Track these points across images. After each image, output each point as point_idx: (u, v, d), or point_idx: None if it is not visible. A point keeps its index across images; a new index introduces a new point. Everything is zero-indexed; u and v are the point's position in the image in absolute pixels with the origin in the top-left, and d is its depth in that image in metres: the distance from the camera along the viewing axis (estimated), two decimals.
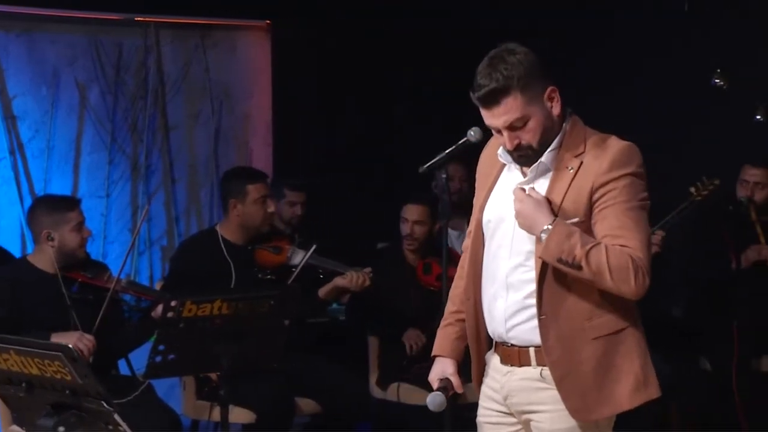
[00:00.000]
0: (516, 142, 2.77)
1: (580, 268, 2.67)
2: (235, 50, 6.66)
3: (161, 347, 3.59)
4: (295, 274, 4.57)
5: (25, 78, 6.10)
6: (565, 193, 2.75)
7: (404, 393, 4.92)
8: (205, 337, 3.63)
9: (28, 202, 5.93)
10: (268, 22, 6.65)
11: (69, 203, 4.42)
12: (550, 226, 2.69)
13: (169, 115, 6.47)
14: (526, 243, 2.79)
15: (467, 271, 2.96)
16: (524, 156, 2.79)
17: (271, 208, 4.74)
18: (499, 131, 2.78)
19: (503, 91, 2.71)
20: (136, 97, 6.38)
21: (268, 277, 4.68)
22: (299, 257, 4.69)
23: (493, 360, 2.94)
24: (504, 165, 2.91)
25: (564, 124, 2.81)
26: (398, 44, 6.57)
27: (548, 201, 2.74)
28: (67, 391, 2.69)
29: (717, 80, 5.53)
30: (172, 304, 3.55)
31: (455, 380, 2.94)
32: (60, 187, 6.06)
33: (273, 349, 3.85)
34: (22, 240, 5.98)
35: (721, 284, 5.17)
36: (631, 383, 2.79)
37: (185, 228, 6.48)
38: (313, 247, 4.67)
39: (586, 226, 2.74)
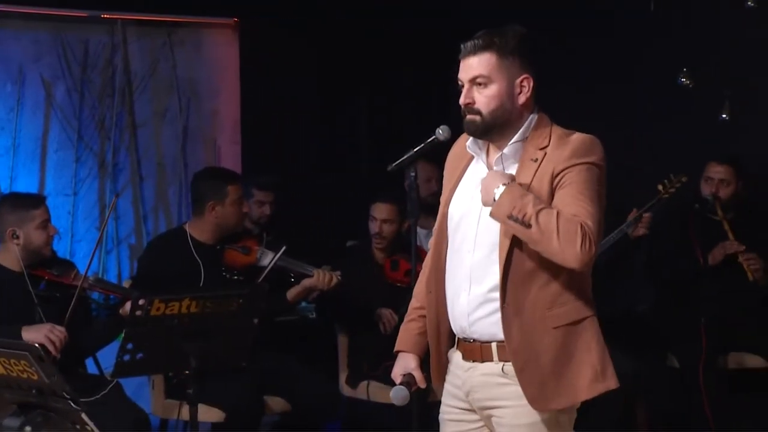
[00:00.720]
0: (469, 100, 2.83)
1: (529, 226, 2.68)
2: (203, 48, 6.64)
3: (129, 346, 3.57)
4: (263, 275, 4.55)
5: None
6: (530, 182, 2.78)
7: (374, 391, 4.92)
8: (173, 336, 3.62)
9: None
10: (235, 19, 6.64)
11: (34, 201, 4.39)
12: (504, 185, 2.72)
13: (136, 113, 6.44)
14: (490, 235, 2.81)
15: (430, 264, 2.98)
16: (472, 123, 2.85)
17: (245, 208, 4.73)
18: (461, 89, 2.85)
19: (483, 48, 2.82)
20: (103, 94, 6.34)
21: (236, 277, 4.66)
22: (268, 258, 4.68)
23: (455, 356, 2.95)
24: (470, 160, 2.94)
25: (530, 117, 2.85)
26: (373, 41, 6.58)
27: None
28: (34, 391, 2.67)
29: (683, 79, 5.58)
30: (140, 302, 3.53)
31: (418, 375, 2.96)
32: (26, 185, 6.01)
33: (242, 348, 3.83)
34: None
35: (688, 281, 5.20)
36: (590, 374, 2.81)
37: (153, 226, 6.46)
38: (283, 248, 4.65)
39: None
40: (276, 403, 4.64)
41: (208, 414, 4.43)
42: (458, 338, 2.93)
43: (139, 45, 6.44)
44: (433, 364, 2.99)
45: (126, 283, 4.72)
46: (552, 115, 2.92)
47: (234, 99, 6.70)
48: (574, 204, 2.73)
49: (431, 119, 3.20)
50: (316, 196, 6.48)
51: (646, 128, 5.85)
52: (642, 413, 5.27)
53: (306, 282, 4.72)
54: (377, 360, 4.91)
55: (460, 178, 2.95)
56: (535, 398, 2.78)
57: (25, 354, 2.62)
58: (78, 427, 2.63)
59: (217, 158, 6.60)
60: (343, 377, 5.12)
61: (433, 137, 3.01)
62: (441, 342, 2.97)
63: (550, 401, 2.79)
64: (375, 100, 6.92)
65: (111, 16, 6.32)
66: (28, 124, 6.16)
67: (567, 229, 2.68)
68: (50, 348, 4.02)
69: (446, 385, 2.98)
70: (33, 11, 6.14)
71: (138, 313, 3.55)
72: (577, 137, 2.82)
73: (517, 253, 2.78)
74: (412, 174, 3.08)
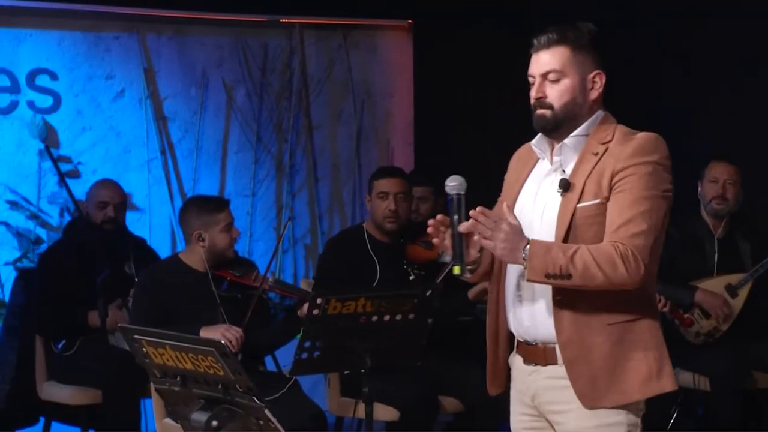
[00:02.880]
0: (541, 94, 2.79)
1: (569, 276, 2.63)
2: (377, 50, 6.71)
3: (307, 344, 3.63)
4: (444, 273, 4.56)
5: (175, 79, 6.28)
6: (588, 175, 2.73)
7: None
8: (349, 335, 3.66)
9: (177, 200, 6.12)
10: (409, 21, 6.68)
11: (218, 204, 4.48)
12: (527, 249, 2.65)
13: (312, 115, 6.57)
14: (550, 234, 2.75)
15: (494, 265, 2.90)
16: (542, 117, 2.80)
17: (391, 206, 4.70)
18: (533, 84, 2.82)
19: (558, 41, 2.78)
20: (281, 97, 6.49)
21: (417, 271, 4.68)
22: (449, 256, 4.66)
23: (516, 361, 2.89)
24: (536, 162, 2.90)
25: (597, 113, 2.81)
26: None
27: (516, 225, 2.69)
28: (220, 386, 2.74)
29: None
30: (318, 301, 3.59)
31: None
32: (208, 186, 6.21)
33: (415, 347, 3.84)
34: (173, 237, 6.16)
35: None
36: (644, 373, 2.72)
37: (328, 226, 6.56)
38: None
39: (605, 207, 2.71)
40: (449, 404, 4.64)
41: (384, 412, 4.47)
42: (518, 341, 2.88)
43: (315, 48, 6.57)
44: (489, 368, 2.95)
45: (303, 283, 4.80)
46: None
47: (407, 100, 6.75)
48: (626, 215, 2.66)
49: None
50: (488, 197, 6.44)
51: None
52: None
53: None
54: None
55: (526, 179, 2.90)
56: (584, 394, 2.71)
57: (212, 350, 2.69)
58: (261, 422, 2.69)
59: (390, 159, 6.67)
60: None
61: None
62: (500, 346, 2.92)
63: (600, 399, 2.71)
64: None
65: (289, 20, 6.47)
66: (210, 127, 6.37)
67: (604, 260, 2.63)
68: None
69: (513, 392, 2.93)
70: (216, 17, 6.34)
71: (315, 312, 3.61)
72: (642, 135, 2.75)
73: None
74: None
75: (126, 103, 6.18)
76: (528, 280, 2.70)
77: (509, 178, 3.00)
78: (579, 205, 2.73)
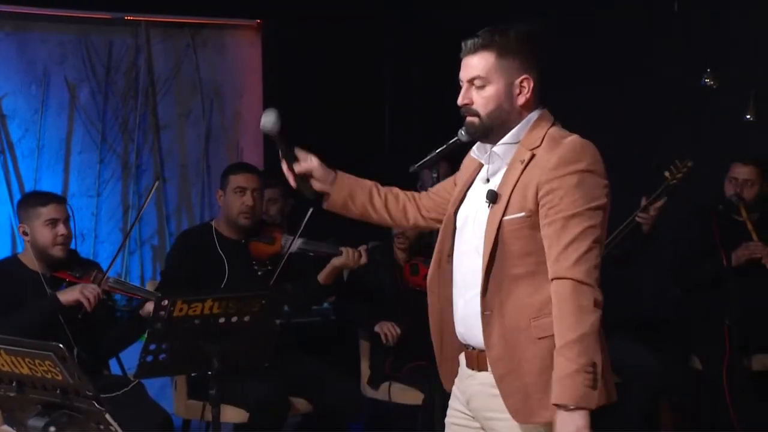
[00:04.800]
0: (466, 101, 2.77)
1: (594, 363, 2.57)
2: (226, 49, 6.66)
3: (152, 347, 3.57)
4: (285, 257, 4.54)
5: (15, 77, 6.10)
6: (514, 186, 2.69)
7: (395, 392, 4.92)
8: (196, 337, 3.62)
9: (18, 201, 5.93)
10: (258, 21, 6.66)
11: (44, 198, 4.34)
12: (573, 410, 2.57)
13: (159, 114, 6.48)
14: (478, 248, 2.74)
15: (432, 264, 2.90)
16: (471, 125, 2.78)
17: (248, 201, 4.68)
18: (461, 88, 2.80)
19: (483, 47, 2.74)
20: (127, 96, 6.38)
21: (267, 268, 4.66)
22: (295, 245, 4.65)
23: (461, 361, 2.89)
24: (481, 165, 2.87)
25: (527, 117, 2.77)
26: (390, 41, 6.59)
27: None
28: (58, 391, 2.67)
29: (707, 80, 5.54)
30: (163, 303, 3.54)
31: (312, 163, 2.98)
32: (50, 186, 6.06)
33: (264, 349, 3.83)
34: (13, 239, 5.97)
35: (712, 283, 5.17)
36: None
37: (176, 227, 6.48)
38: (303, 228, 4.61)
39: (532, 221, 2.67)
40: (299, 404, 4.64)
41: (231, 414, 4.44)
42: (461, 343, 2.87)
43: (162, 47, 6.48)
44: (439, 368, 2.94)
45: (149, 284, 4.73)
46: (575, 114, 2.87)
47: (257, 100, 6.72)
48: (563, 240, 2.61)
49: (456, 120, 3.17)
50: None
51: (670, 128, 5.82)
52: (666, 414, 5.25)
53: (335, 261, 4.66)
54: (399, 362, 4.91)
55: (470, 183, 2.89)
56: (517, 410, 2.68)
57: (50, 354, 2.62)
58: (102, 427, 2.63)
59: (239, 159, 6.62)
60: (364, 378, 5.12)
61: (456, 138, 2.96)
62: (444, 344, 2.90)
63: (533, 414, 2.67)
64: (396, 99, 6.92)
65: (134, 18, 6.36)
66: (53, 126, 6.21)
67: (577, 315, 2.57)
68: (85, 304, 4.10)
69: (454, 389, 2.92)
70: (58, 13, 6.18)
71: (161, 313, 3.56)
72: (568, 143, 2.68)
73: (502, 258, 2.68)
74: (434, 175, 3.07)
75: None
76: (598, 404, 2.59)
77: (460, 175, 2.95)
78: (505, 218, 2.69)
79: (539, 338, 2.66)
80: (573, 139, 2.71)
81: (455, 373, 2.91)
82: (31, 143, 6.13)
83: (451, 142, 2.92)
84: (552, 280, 2.64)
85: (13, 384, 2.74)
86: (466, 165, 2.96)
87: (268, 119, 2.85)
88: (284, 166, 2.91)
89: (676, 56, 5.80)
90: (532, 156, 2.70)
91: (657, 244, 5.01)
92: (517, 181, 2.70)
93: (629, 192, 4.49)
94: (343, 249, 4.66)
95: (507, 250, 2.68)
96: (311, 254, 4.69)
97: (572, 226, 2.62)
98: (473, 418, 2.86)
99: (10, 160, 6.07)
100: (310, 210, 4.46)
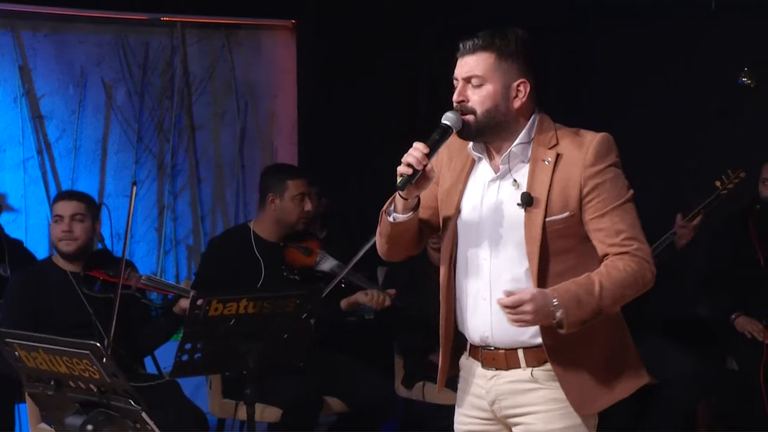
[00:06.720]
0: (462, 97, 2.77)
1: (601, 313, 2.66)
2: (261, 50, 6.69)
3: (187, 346, 3.59)
4: (332, 286, 4.55)
5: (52, 78, 6.16)
6: (550, 186, 2.71)
7: (429, 392, 4.91)
8: (230, 336, 3.64)
9: None
10: (293, 21, 6.67)
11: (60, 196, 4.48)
12: (559, 311, 2.62)
13: (195, 115, 6.51)
14: (510, 241, 2.74)
15: (442, 269, 2.89)
16: (465, 123, 2.76)
17: (308, 207, 4.71)
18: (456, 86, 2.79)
19: (483, 48, 2.75)
20: (163, 96, 6.42)
21: (293, 277, 4.67)
22: (327, 263, 4.68)
23: (473, 366, 2.86)
24: (474, 162, 2.86)
25: (531, 118, 2.78)
26: (427, 40, 6.57)
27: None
28: (95, 389, 2.70)
29: (744, 78, 5.49)
30: (199, 303, 3.56)
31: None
32: (87, 186, 6.10)
33: (298, 349, 3.84)
34: (50, 239, 6.02)
35: (749, 284, 5.13)
36: (626, 372, 2.78)
37: (211, 227, 6.51)
38: (345, 266, 4.61)
39: (576, 218, 2.72)
40: (333, 403, 4.65)
41: (266, 413, 4.46)
42: (473, 346, 2.84)
43: (198, 47, 6.51)
44: (442, 369, 2.91)
45: (184, 284, 4.75)
46: (607, 112, 2.85)
47: (291, 100, 6.74)
48: (621, 220, 2.70)
49: None
50: (372, 198, 6.47)
51: (707, 128, 5.78)
52: (703, 414, 5.22)
53: (359, 297, 4.67)
54: (432, 361, 4.90)
55: (467, 181, 2.85)
56: (579, 403, 2.72)
57: (87, 353, 2.64)
58: (138, 426, 2.66)
59: (274, 160, 6.64)
60: (398, 378, 5.12)
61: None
62: (448, 349, 2.88)
63: (593, 403, 2.74)
64: (432, 101, 6.90)
65: (171, 19, 6.40)
66: (89, 126, 6.26)
67: (628, 282, 2.67)
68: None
69: (464, 396, 2.88)
70: (96, 15, 6.23)
71: (196, 313, 3.58)
72: (594, 138, 2.74)
73: (545, 258, 2.71)
74: None
75: None
76: (565, 333, 2.65)
77: (440, 167, 2.89)
78: (548, 219, 2.71)
79: (592, 326, 2.69)
80: (594, 134, 2.76)
81: (446, 376, 2.91)
82: (68, 143, 6.18)
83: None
84: (619, 255, 2.69)
85: (51, 383, 2.77)
86: (446, 161, 2.89)
87: (453, 115, 2.77)
88: (425, 149, 2.74)
89: (712, 55, 5.75)
90: (558, 155, 2.73)
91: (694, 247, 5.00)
92: (552, 181, 2.71)
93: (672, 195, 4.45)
94: (370, 291, 4.64)
95: (550, 249, 2.72)
96: (342, 283, 4.67)
97: (625, 211, 2.71)
98: (493, 420, 2.83)
99: (48, 160, 6.13)
100: (372, 240, 4.44)
